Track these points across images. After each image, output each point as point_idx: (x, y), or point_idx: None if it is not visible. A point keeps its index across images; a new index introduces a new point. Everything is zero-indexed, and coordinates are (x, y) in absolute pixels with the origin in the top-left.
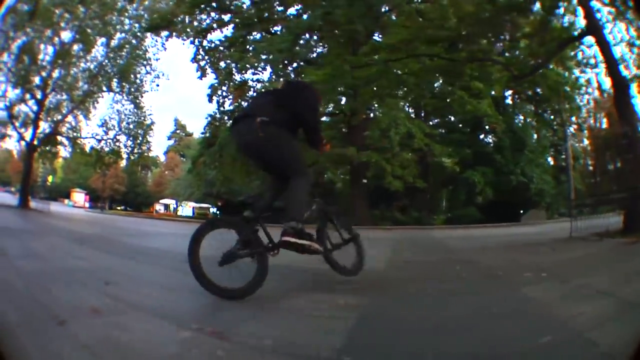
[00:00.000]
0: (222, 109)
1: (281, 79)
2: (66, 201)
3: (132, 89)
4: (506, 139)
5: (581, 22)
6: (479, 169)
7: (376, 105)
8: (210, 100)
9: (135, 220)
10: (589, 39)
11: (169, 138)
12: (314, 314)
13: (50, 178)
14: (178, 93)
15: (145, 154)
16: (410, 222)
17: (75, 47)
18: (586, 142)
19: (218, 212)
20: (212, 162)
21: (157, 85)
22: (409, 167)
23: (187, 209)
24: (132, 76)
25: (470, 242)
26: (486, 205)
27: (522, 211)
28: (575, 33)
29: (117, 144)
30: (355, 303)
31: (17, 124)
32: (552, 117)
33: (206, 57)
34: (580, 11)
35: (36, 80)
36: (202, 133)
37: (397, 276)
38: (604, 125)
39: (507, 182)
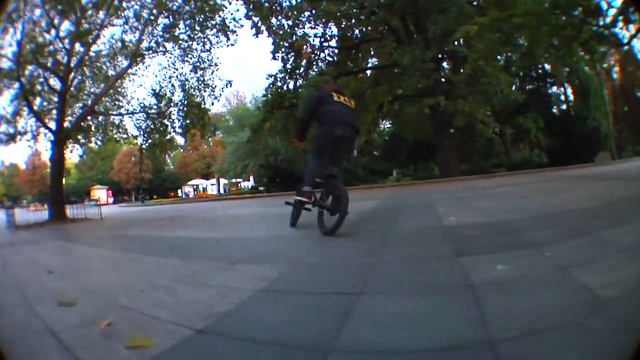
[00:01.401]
0: (287, 66)
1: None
2: (87, 201)
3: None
4: (577, 84)
5: None
6: (529, 115)
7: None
8: (274, 58)
9: (209, 205)
10: None
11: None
12: None
13: (63, 180)
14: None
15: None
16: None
17: None
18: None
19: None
20: (283, 126)
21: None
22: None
23: (216, 187)
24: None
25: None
26: (544, 150)
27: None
28: None
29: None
30: None
31: (35, 107)
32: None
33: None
34: None
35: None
36: (264, 95)
37: None
38: None
39: (584, 126)
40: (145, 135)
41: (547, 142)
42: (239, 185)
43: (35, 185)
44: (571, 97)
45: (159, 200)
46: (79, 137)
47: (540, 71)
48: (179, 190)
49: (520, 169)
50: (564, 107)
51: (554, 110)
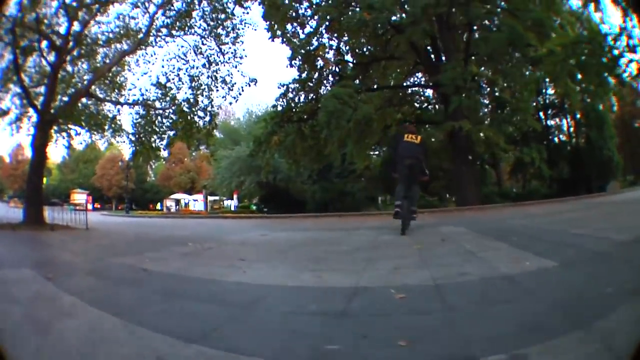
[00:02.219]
0: (302, 76)
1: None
2: (66, 205)
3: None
4: (592, 116)
5: None
6: (533, 146)
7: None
8: (291, 65)
9: (213, 223)
10: None
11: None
12: None
13: (44, 180)
14: None
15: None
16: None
17: None
18: None
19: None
20: (292, 141)
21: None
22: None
23: (199, 203)
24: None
25: None
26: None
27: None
28: None
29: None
30: None
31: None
32: None
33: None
34: None
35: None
36: (274, 106)
37: None
38: None
39: (600, 155)
40: (138, 136)
41: (549, 173)
42: (222, 203)
43: (17, 181)
44: (572, 128)
45: (145, 212)
46: (68, 125)
47: (541, 102)
48: (158, 204)
49: (527, 200)
50: (563, 137)
51: (555, 140)
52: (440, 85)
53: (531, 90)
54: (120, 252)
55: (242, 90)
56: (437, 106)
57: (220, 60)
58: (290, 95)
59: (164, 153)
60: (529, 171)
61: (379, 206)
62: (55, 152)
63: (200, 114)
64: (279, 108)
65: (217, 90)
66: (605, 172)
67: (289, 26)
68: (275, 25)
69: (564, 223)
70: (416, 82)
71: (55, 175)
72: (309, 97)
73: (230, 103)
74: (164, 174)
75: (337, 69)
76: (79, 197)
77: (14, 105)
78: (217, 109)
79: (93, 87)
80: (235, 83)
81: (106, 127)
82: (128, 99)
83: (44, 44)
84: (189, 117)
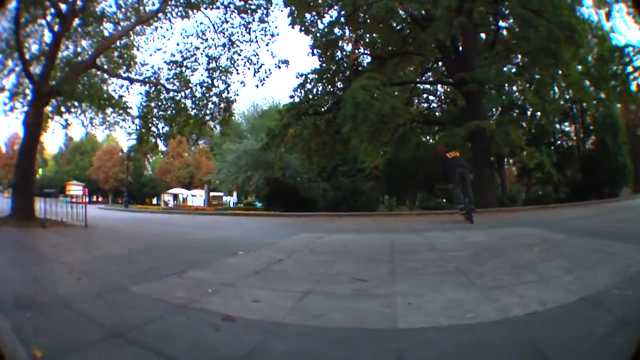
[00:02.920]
0: (323, 66)
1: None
2: (60, 197)
3: None
4: (608, 122)
5: None
6: (543, 149)
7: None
8: (313, 53)
9: (229, 221)
10: None
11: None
12: None
13: (40, 171)
14: None
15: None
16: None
17: None
18: None
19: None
20: (309, 135)
21: None
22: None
23: (197, 198)
24: None
25: None
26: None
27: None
28: None
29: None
30: None
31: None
32: None
33: None
34: None
35: None
36: (290, 97)
37: None
38: None
39: (615, 161)
40: (145, 120)
41: (558, 177)
42: (222, 199)
43: (12, 171)
44: (581, 133)
45: (144, 207)
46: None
47: None
48: (154, 198)
49: (536, 204)
50: (571, 143)
51: (562, 145)
52: (467, 83)
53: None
54: (147, 270)
55: (270, 73)
56: (443, 106)
57: (246, 39)
58: (309, 86)
59: (173, 141)
60: (535, 175)
61: (385, 207)
62: (52, 143)
63: (215, 99)
64: (296, 99)
65: (238, 74)
66: (619, 178)
67: (307, 15)
68: (296, 12)
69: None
70: (428, 80)
71: (51, 166)
72: (328, 89)
73: (257, 86)
74: (162, 168)
75: (355, 62)
76: (75, 189)
77: (9, 84)
78: (234, 95)
79: (99, 60)
80: (263, 64)
81: (110, 107)
82: (139, 76)
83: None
84: (201, 103)
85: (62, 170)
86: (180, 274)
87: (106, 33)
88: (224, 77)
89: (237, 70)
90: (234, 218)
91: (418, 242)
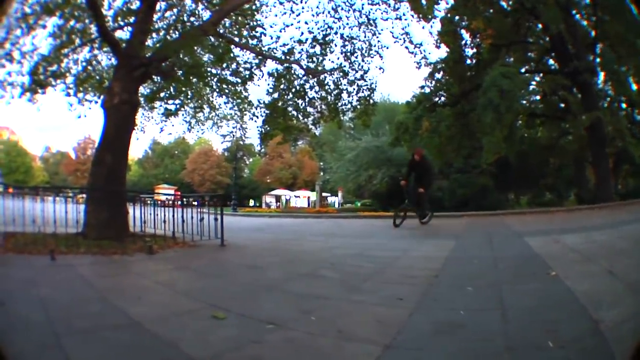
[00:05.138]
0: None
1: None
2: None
3: None
4: None
5: None
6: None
7: None
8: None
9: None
10: None
11: None
12: None
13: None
14: None
15: None
16: None
17: None
18: None
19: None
20: (449, 126)
21: None
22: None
23: (302, 199)
24: None
25: None
26: None
27: None
28: None
29: None
30: None
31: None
32: None
33: None
34: None
35: None
36: (421, 87)
37: None
38: None
39: None
40: (274, 109)
41: None
42: (327, 200)
43: (85, 176)
44: None
45: (251, 210)
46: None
47: None
48: (251, 200)
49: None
50: None
51: None
52: (580, 72)
53: None
54: None
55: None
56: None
57: (391, 16)
58: (438, 75)
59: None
60: (625, 168)
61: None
62: (135, 148)
63: (353, 87)
64: (426, 90)
65: (382, 58)
66: None
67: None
68: None
69: None
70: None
71: (135, 170)
72: (461, 78)
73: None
74: (262, 169)
75: (478, 51)
76: (166, 192)
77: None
78: (375, 83)
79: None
80: (421, 43)
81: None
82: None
83: None
84: (335, 91)
85: (148, 174)
86: None
87: None
88: (363, 61)
89: (380, 53)
90: (364, 221)
91: None
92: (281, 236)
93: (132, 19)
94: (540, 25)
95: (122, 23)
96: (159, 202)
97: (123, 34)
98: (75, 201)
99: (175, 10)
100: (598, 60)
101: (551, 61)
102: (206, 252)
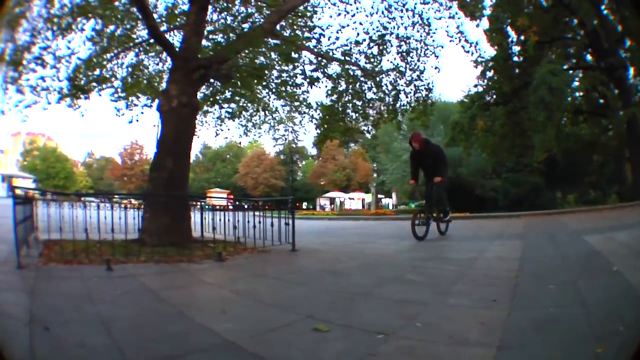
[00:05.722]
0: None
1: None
2: (201, 204)
3: None
4: None
5: None
6: None
7: None
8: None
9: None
10: None
11: None
12: None
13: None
14: None
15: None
16: None
17: None
18: None
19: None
20: (503, 125)
21: None
22: None
23: (356, 202)
24: None
25: None
26: None
27: None
28: None
29: None
30: None
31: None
32: None
33: None
34: None
35: None
36: (475, 85)
37: None
38: None
39: None
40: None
41: None
42: (381, 202)
43: (132, 181)
44: None
45: (309, 213)
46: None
47: None
48: (304, 203)
49: None
50: None
51: None
52: (617, 68)
53: None
54: None
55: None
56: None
57: (444, 15)
58: (489, 73)
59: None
60: None
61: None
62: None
63: (407, 89)
64: (479, 89)
65: (437, 57)
66: None
67: None
68: None
69: None
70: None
71: None
72: (509, 76)
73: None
74: (316, 172)
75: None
76: (218, 196)
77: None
78: (431, 83)
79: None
80: (477, 42)
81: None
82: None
83: None
84: (393, 92)
85: (200, 178)
86: None
87: None
88: (419, 61)
89: (435, 53)
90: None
91: None
92: (349, 239)
93: (180, 22)
94: (575, 21)
95: (170, 25)
96: (216, 206)
97: (170, 38)
98: (122, 207)
99: (232, 11)
100: (628, 55)
101: (588, 57)
102: (279, 257)
